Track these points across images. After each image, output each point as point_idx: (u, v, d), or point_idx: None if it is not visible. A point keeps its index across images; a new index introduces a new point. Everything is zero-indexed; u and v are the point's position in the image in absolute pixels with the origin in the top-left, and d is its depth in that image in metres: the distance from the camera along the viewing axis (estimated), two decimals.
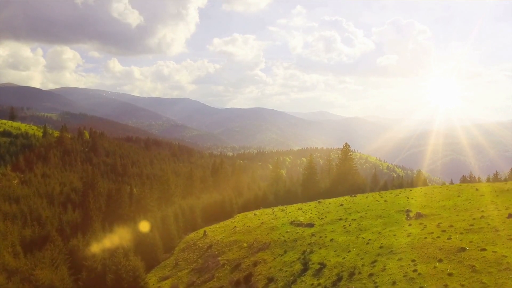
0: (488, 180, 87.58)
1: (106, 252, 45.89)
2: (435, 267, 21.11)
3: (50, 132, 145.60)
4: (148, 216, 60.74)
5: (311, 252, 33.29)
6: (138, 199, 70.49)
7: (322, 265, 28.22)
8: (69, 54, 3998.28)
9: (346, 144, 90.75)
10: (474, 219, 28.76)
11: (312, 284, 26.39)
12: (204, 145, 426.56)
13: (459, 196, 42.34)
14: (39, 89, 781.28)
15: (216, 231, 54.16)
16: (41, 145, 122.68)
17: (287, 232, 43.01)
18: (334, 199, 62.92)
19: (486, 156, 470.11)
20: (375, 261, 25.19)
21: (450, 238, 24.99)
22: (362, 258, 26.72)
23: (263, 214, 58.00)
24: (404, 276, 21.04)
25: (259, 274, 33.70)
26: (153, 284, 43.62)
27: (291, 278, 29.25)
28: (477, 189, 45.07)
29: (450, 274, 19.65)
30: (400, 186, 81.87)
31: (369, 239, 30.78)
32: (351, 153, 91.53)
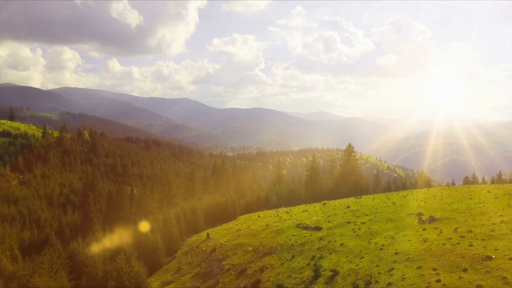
0: (493, 181, 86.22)
1: (107, 256, 44.59)
2: (460, 277, 19.55)
3: (50, 132, 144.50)
4: (150, 218, 59.38)
5: (321, 257, 31.95)
6: (139, 201, 68.99)
7: (335, 272, 26.79)
8: (68, 54, 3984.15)
9: (349, 144, 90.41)
10: (494, 224, 27.38)
11: None
12: (204, 145, 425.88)
13: (471, 198, 41.06)
14: (38, 89, 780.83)
15: (220, 234, 52.87)
16: (41, 146, 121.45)
17: (293, 235, 41.73)
18: (339, 200, 61.78)
19: (486, 156, 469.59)
20: (392, 268, 23.80)
21: (472, 245, 23.53)
22: (377, 266, 25.34)
23: (267, 216, 56.76)
24: (427, 287, 19.62)
25: (267, 281, 32.28)
26: None
27: (302, 286, 27.83)
28: (488, 191, 43.83)
29: (479, 286, 18.09)
30: (404, 187, 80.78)
31: (382, 245, 29.44)
32: (355, 153, 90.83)
